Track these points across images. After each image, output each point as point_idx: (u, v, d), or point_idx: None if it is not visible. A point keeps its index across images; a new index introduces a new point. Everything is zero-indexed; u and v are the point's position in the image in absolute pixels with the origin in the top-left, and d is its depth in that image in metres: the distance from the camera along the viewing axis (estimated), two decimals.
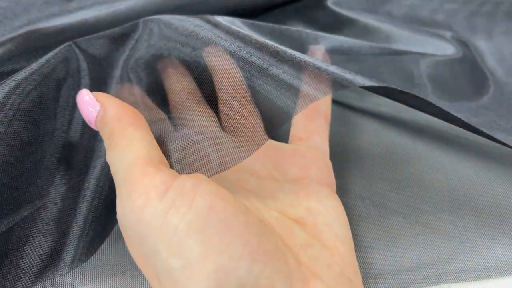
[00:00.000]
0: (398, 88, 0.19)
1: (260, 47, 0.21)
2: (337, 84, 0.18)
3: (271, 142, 0.25)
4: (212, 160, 0.19)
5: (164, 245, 0.16)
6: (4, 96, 0.21)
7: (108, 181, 0.24)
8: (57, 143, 0.23)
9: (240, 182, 0.21)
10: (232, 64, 0.21)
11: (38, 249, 0.22)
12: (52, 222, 0.23)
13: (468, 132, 0.30)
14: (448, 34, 0.37)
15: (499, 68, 0.35)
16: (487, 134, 0.24)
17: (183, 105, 0.22)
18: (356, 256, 0.23)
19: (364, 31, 0.35)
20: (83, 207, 0.23)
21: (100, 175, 0.24)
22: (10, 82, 0.22)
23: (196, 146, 0.19)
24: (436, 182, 0.28)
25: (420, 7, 0.39)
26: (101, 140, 0.25)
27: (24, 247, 0.22)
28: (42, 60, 0.24)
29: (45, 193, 0.23)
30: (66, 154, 0.24)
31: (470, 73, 0.34)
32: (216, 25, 0.24)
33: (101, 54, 0.26)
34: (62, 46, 0.25)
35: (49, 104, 0.23)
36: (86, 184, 0.24)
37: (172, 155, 0.19)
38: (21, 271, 0.21)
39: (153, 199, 0.16)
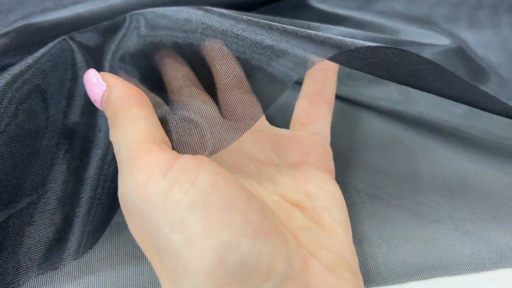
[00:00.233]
0: (402, 48, 0.19)
1: (252, 23, 0.21)
2: (334, 47, 0.18)
3: (271, 128, 0.25)
4: (210, 141, 0.19)
5: (166, 220, 0.16)
6: (1, 91, 0.21)
7: (110, 169, 0.24)
8: (55, 134, 0.24)
9: (241, 167, 0.22)
10: (230, 54, 0.21)
11: (44, 238, 0.22)
12: (57, 212, 0.23)
13: (465, 125, 0.30)
14: (436, 28, 0.37)
15: (492, 59, 0.35)
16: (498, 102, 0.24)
17: (183, 91, 0.22)
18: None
19: (357, 27, 0.35)
20: (87, 195, 0.24)
21: (102, 163, 0.24)
22: (6, 76, 0.22)
23: (195, 128, 0.19)
24: (432, 175, 0.28)
25: (403, 5, 0.40)
26: (100, 130, 0.25)
27: (29, 237, 0.22)
28: (38, 54, 0.24)
29: (46, 182, 0.23)
30: (65, 145, 0.24)
31: (466, 63, 0.34)
32: (208, 10, 0.24)
33: (95, 46, 0.26)
34: (57, 40, 0.25)
35: (46, 97, 0.23)
36: (89, 173, 0.24)
37: (172, 137, 0.19)
38: (27, 260, 0.22)
39: (156, 176, 0.16)
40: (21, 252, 0.22)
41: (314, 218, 0.20)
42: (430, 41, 0.34)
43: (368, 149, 0.29)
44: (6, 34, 0.27)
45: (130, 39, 0.25)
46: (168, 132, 0.20)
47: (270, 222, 0.17)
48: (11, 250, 0.21)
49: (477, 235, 0.25)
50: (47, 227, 0.22)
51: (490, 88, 0.32)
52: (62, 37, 0.25)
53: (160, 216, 0.16)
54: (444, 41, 0.35)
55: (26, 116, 0.22)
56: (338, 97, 0.31)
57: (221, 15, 0.22)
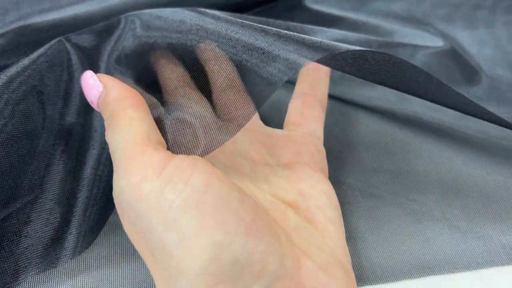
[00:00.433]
0: (388, 54, 0.19)
1: (245, 26, 0.21)
2: (324, 50, 0.18)
3: (265, 128, 0.25)
4: (204, 141, 0.19)
5: (160, 220, 0.16)
6: None
7: (105, 169, 0.24)
8: (51, 135, 0.24)
9: (235, 166, 0.22)
10: (224, 55, 0.21)
11: (41, 238, 0.22)
12: (54, 211, 0.23)
13: (459, 124, 0.31)
14: (431, 28, 0.37)
15: (484, 60, 0.35)
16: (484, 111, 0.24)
17: (177, 92, 0.22)
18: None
19: (352, 27, 0.35)
20: (83, 195, 0.24)
21: (98, 164, 0.25)
22: (3, 78, 0.22)
23: (189, 128, 0.20)
24: (426, 174, 0.28)
25: (398, 5, 0.40)
26: (96, 130, 0.25)
27: (26, 237, 0.22)
28: (34, 55, 0.24)
29: (42, 182, 0.23)
30: (61, 145, 0.24)
31: (459, 64, 0.34)
32: (202, 13, 0.24)
33: (90, 47, 0.26)
34: (53, 41, 0.25)
35: (42, 98, 0.24)
36: (85, 173, 0.24)
37: (167, 137, 0.20)
38: (24, 260, 0.22)
39: (150, 176, 0.16)
40: (19, 252, 0.22)
41: (308, 218, 0.20)
42: (424, 42, 0.35)
43: (363, 149, 0.29)
44: (2, 35, 0.27)
45: (126, 40, 0.26)
46: (163, 132, 0.20)
47: (263, 221, 0.17)
48: (8, 250, 0.22)
49: (471, 233, 0.25)
50: (44, 226, 0.23)
51: (482, 89, 0.33)
52: (58, 39, 0.25)
53: (153, 215, 0.16)
54: (437, 42, 0.35)
55: (22, 117, 0.23)
56: (333, 97, 0.32)
57: (215, 17, 0.22)
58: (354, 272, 0.23)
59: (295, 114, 0.25)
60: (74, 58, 0.25)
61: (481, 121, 0.29)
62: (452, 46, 0.35)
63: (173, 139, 0.20)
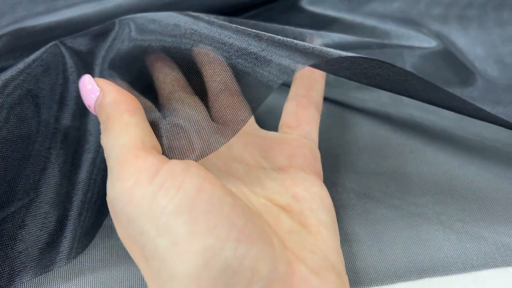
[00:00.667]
0: (383, 61, 0.19)
1: (239, 30, 0.21)
2: (316, 56, 0.18)
3: (260, 130, 0.25)
4: (199, 146, 0.19)
5: (152, 225, 0.16)
6: None
7: (100, 173, 0.24)
8: (46, 138, 0.24)
9: (229, 170, 0.22)
10: (219, 59, 0.21)
11: (36, 242, 0.22)
12: (49, 215, 0.23)
13: (454, 127, 0.31)
14: (425, 29, 0.37)
15: (478, 61, 0.35)
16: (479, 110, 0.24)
17: (172, 96, 0.22)
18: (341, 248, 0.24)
19: (348, 28, 0.36)
20: (78, 199, 0.24)
21: (93, 167, 0.25)
22: None
23: (184, 132, 0.20)
24: (421, 175, 0.28)
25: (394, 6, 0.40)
26: (91, 134, 0.25)
27: (21, 241, 0.22)
28: (29, 59, 0.24)
29: (37, 186, 0.23)
30: (56, 149, 0.24)
31: (452, 65, 0.34)
32: (196, 17, 0.24)
33: (85, 51, 0.26)
34: (48, 45, 0.25)
35: (37, 101, 0.24)
36: (80, 177, 0.24)
37: (163, 141, 0.20)
38: (19, 264, 0.22)
39: (143, 181, 0.17)
40: (13, 256, 0.22)
41: (301, 221, 0.20)
42: (419, 43, 0.35)
43: (358, 151, 0.29)
44: None
45: (121, 43, 0.26)
46: (159, 137, 0.20)
47: (255, 225, 0.17)
48: (3, 254, 0.22)
49: (466, 235, 0.26)
50: (39, 230, 0.23)
51: (477, 90, 0.33)
52: (53, 42, 0.25)
53: (146, 220, 0.16)
54: (431, 43, 0.35)
55: (17, 121, 0.23)
56: (328, 100, 0.32)
57: (209, 22, 0.22)
58: (349, 275, 0.24)
59: (289, 116, 0.26)
60: (69, 62, 0.25)
61: (476, 123, 0.29)
62: (445, 46, 0.35)
63: (168, 143, 0.20)
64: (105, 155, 0.19)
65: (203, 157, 0.19)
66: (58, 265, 0.23)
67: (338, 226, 0.25)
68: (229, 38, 0.20)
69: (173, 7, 0.31)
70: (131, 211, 0.16)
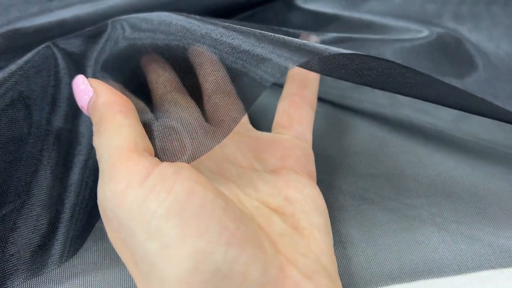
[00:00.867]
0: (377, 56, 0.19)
1: (230, 28, 0.21)
2: (308, 53, 0.18)
3: (253, 131, 0.25)
4: (191, 147, 0.19)
5: (142, 228, 0.16)
6: None
7: (92, 175, 0.24)
8: (38, 140, 0.24)
9: (222, 172, 0.22)
10: (214, 58, 0.21)
11: (28, 245, 0.22)
12: (41, 218, 0.23)
13: (450, 128, 0.30)
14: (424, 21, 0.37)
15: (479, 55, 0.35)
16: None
17: (165, 97, 0.22)
18: (335, 250, 0.24)
19: (344, 25, 0.35)
20: (70, 201, 0.24)
21: (85, 169, 0.24)
22: None
23: (177, 134, 0.20)
24: (416, 177, 0.28)
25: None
26: (83, 135, 0.25)
27: (13, 243, 0.22)
28: (21, 61, 0.24)
29: (29, 189, 0.23)
30: (49, 151, 0.24)
31: (451, 53, 0.34)
32: (188, 16, 0.24)
33: (78, 52, 0.26)
34: (40, 47, 0.25)
35: (29, 103, 0.24)
36: (72, 179, 0.24)
37: (155, 143, 0.20)
38: (11, 267, 0.22)
39: (134, 184, 0.16)
40: (5, 259, 0.22)
41: (293, 224, 0.20)
42: (413, 35, 0.34)
43: (354, 153, 0.29)
44: None
45: (114, 44, 0.26)
46: (152, 138, 0.20)
47: (247, 229, 0.17)
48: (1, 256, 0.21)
49: (461, 237, 0.25)
50: (31, 233, 0.22)
51: (476, 82, 0.32)
52: (45, 44, 0.25)
53: (136, 224, 0.16)
54: (421, 33, 0.35)
55: (9, 123, 0.22)
56: (324, 100, 0.32)
57: (202, 20, 0.22)
58: (344, 277, 0.24)
59: (282, 116, 0.25)
60: (62, 63, 0.25)
61: (473, 124, 0.29)
62: (439, 35, 0.34)
63: (160, 145, 0.20)
64: (97, 156, 0.19)
65: (195, 159, 0.19)
66: (50, 268, 0.22)
67: (333, 228, 0.24)
68: (221, 35, 0.20)
69: (168, 8, 0.31)
70: (121, 214, 0.16)
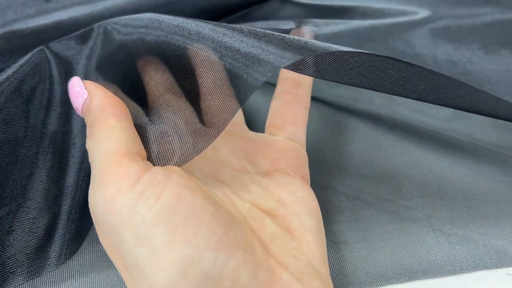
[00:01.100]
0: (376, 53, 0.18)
1: (221, 26, 0.21)
2: (304, 51, 0.18)
3: (247, 133, 0.25)
4: (179, 151, 0.19)
5: (132, 234, 0.16)
6: None
7: (86, 177, 0.24)
8: (34, 143, 0.24)
9: (216, 175, 0.22)
10: (212, 59, 0.21)
11: (24, 248, 0.22)
12: (37, 221, 0.23)
13: (445, 128, 0.30)
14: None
15: None
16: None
17: (160, 99, 0.22)
18: (330, 251, 0.24)
19: (340, 13, 0.35)
20: (66, 204, 0.24)
21: (79, 172, 0.25)
22: None
23: (169, 137, 0.20)
24: (411, 178, 0.28)
25: None
26: (78, 138, 0.25)
27: (9, 246, 0.22)
28: (16, 65, 0.24)
29: (25, 192, 0.23)
30: (44, 154, 0.24)
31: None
32: (176, 16, 0.24)
33: (71, 54, 0.26)
34: (34, 50, 0.25)
35: (24, 106, 0.24)
36: (68, 181, 0.24)
37: (149, 147, 0.20)
38: (7, 270, 0.22)
39: (123, 189, 0.16)
40: (2, 262, 0.22)
41: (285, 226, 0.20)
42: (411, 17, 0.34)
43: (348, 153, 0.29)
44: None
45: (107, 45, 0.26)
46: (145, 141, 0.20)
47: (236, 233, 0.17)
48: None
49: (455, 238, 0.26)
50: (27, 236, 0.23)
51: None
52: (39, 47, 0.25)
53: (125, 229, 0.16)
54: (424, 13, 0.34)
55: (4, 126, 0.23)
56: (319, 100, 0.32)
57: (189, 19, 0.22)
58: (338, 277, 0.24)
59: (275, 117, 0.25)
60: (55, 66, 0.25)
61: (468, 124, 0.29)
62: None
63: (153, 148, 0.20)
64: (90, 160, 0.19)
65: (186, 161, 0.19)
66: (47, 270, 0.23)
67: (328, 228, 0.25)
68: (213, 31, 0.20)
69: (163, 9, 0.31)
70: (111, 219, 0.16)
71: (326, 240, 0.22)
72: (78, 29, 0.29)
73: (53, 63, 0.26)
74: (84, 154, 0.25)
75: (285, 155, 0.24)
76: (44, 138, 0.24)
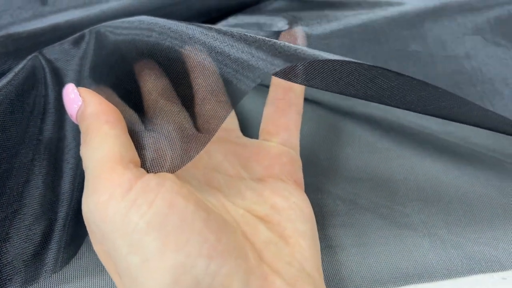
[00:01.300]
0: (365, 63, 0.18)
1: (212, 29, 0.20)
2: (294, 58, 0.17)
3: (241, 139, 0.25)
4: (175, 156, 0.19)
5: (124, 242, 0.16)
6: None
7: (81, 183, 0.24)
8: (30, 150, 0.24)
9: (210, 181, 0.22)
10: (207, 64, 0.21)
11: (21, 254, 0.22)
12: (33, 227, 0.23)
13: (441, 131, 0.30)
14: None
15: None
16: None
17: (151, 105, 0.22)
18: (325, 255, 0.24)
19: (336, 6, 0.35)
20: (62, 210, 0.24)
21: (74, 179, 0.25)
22: None
23: (162, 144, 0.20)
24: (407, 182, 0.28)
25: None
26: (73, 144, 0.25)
27: (5, 253, 0.22)
28: (11, 73, 0.24)
29: (21, 198, 0.23)
30: (40, 160, 0.24)
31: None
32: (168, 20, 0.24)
33: (65, 60, 0.26)
34: (28, 57, 0.25)
35: (20, 114, 0.24)
36: (64, 188, 0.24)
37: (143, 153, 0.20)
38: (4, 277, 0.22)
39: (116, 196, 0.17)
40: (6, 269, 0.22)
41: (279, 232, 0.20)
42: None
43: (344, 157, 0.29)
44: None
45: (99, 49, 0.26)
46: (139, 148, 0.20)
47: (229, 240, 0.17)
48: None
49: (451, 242, 0.26)
50: (24, 242, 0.23)
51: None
52: (33, 54, 0.25)
53: (118, 237, 0.16)
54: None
55: (1, 133, 0.23)
56: (315, 103, 0.32)
57: (182, 22, 0.22)
58: (334, 281, 0.24)
59: (268, 123, 0.25)
60: (49, 73, 0.25)
61: (464, 128, 0.28)
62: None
63: (147, 155, 0.20)
64: (83, 167, 0.19)
65: (178, 168, 0.19)
66: (44, 276, 0.23)
67: (323, 232, 0.25)
68: (204, 35, 0.20)
69: (159, 13, 0.31)
70: (104, 227, 0.17)
71: (322, 244, 0.22)
72: (74, 32, 0.29)
73: (47, 69, 0.26)
74: (79, 160, 0.25)
75: (279, 161, 0.24)
76: (40, 145, 0.24)
